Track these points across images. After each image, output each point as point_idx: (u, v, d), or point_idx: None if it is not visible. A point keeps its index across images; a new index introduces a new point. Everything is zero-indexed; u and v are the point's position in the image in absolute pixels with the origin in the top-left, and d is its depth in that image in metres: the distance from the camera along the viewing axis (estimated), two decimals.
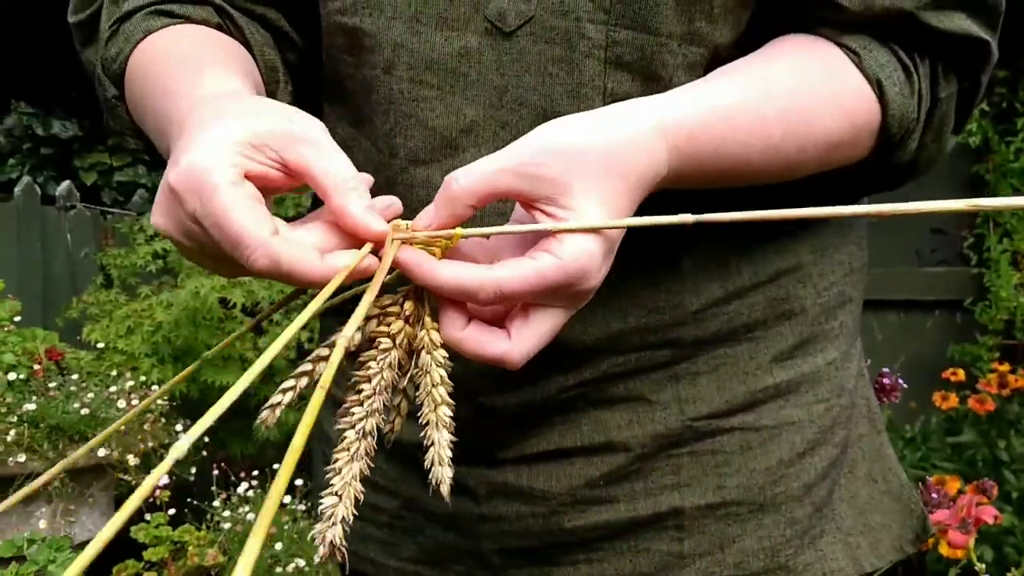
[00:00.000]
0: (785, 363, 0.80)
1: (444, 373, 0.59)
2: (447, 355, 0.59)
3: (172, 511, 2.66)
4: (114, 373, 2.94)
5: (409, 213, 0.61)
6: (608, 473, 0.77)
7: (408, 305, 0.60)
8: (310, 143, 0.58)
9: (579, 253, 0.57)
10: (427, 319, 0.60)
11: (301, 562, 2.57)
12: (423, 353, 0.59)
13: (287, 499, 2.82)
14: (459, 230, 0.58)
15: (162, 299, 3.16)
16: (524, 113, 0.71)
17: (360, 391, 0.57)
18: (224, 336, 3.26)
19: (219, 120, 0.58)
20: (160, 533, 2.54)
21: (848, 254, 0.84)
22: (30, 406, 2.59)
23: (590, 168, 0.58)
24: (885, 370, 1.31)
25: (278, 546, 2.62)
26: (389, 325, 0.59)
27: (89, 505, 2.84)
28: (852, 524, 0.83)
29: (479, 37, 0.71)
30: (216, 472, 2.85)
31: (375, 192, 0.76)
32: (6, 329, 2.88)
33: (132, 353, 3.12)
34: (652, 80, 0.71)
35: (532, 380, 0.77)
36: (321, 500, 0.55)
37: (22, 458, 2.56)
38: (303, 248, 0.56)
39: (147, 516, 2.62)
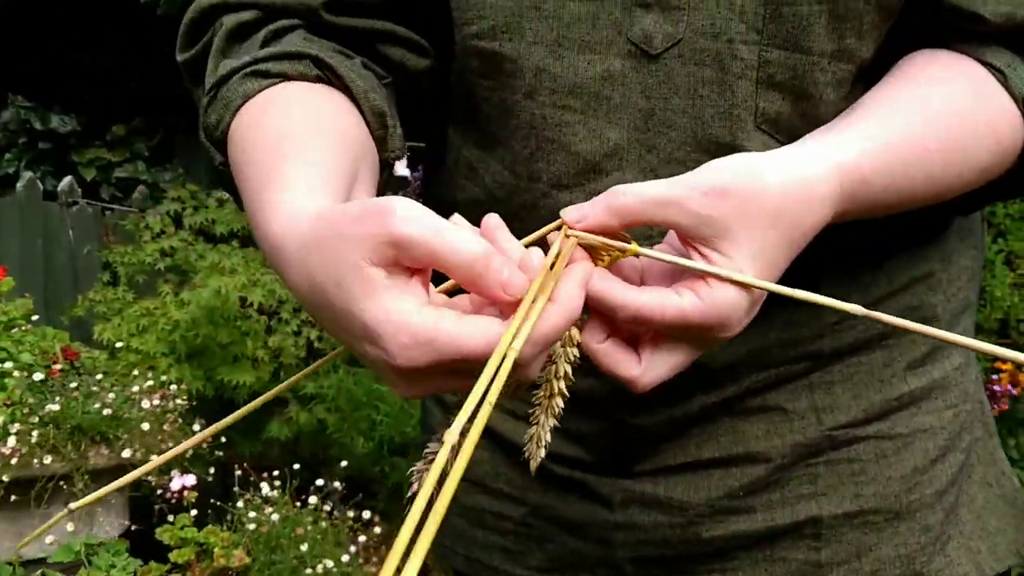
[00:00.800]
0: (918, 370, 0.81)
1: (569, 369, 0.61)
2: (579, 355, 0.61)
3: (193, 512, 2.64)
4: (135, 373, 2.90)
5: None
6: (748, 484, 0.78)
7: None
8: (423, 238, 0.50)
9: (724, 302, 0.57)
10: None
11: (329, 563, 2.56)
12: (558, 344, 0.61)
13: (312, 500, 2.81)
14: (635, 246, 0.59)
15: (181, 297, 3.13)
16: (673, 136, 0.71)
17: None
18: (240, 334, 3.24)
19: (347, 262, 0.52)
20: (185, 535, 2.52)
21: (970, 259, 0.86)
22: (53, 407, 2.56)
23: (757, 218, 0.58)
24: (995, 377, 1.33)
25: (304, 547, 2.61)
26: None
27: (107, 506, 2.82)
28: (972, 528, 0.85)
29: (622, 60, 0.71)
30: (239, 472, 2.84)
31: (511, 216, 0.75)
32: (23, 328, 2.84)
33: (147, 352, 3.09)
34: (803, 98, 0.71)
35: (673, 401, 0.78)
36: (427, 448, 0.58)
37: (48, 459, 2.53)
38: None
39: (170, 518, 2.61)
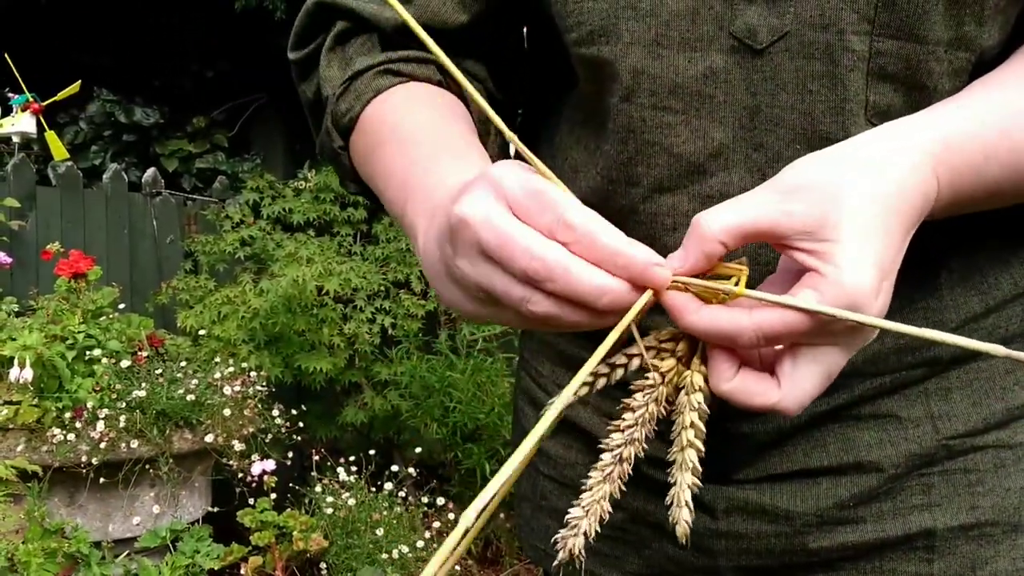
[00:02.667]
0: None
1: (697, 417, 0.58)
2: (705, 399, 0.58)
3: (272, 496, 2.71)
4: (217, 359, 2.98)
5: (653, 242, 0.57)
6: (858, 494, 0.75)
7: (682, 345, 0.59)
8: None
9: (850, 289, 0.53)
10: (696, 360, 0.59)
11: (404, 548, 2.61)
12: (683, 393, 0.59)
13: (388, 486, 2.86)
14: (742, 288, 0.56)
15: (260, 286, 3.20)
16: (781, 133, 0.69)
17: (623, 419, 0.58)
18: (316, 322, 3.30)
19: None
20: (265, 518, 2.59)
21: None
22: (140, 393, 2.65)
23: (854, 197, 0.55)
24: None
25: (379, 532, 2.66)
26: (662, 360, 0.59)
27: (190, 489, 2.91)
28: None
29: (725, 56, 0.68)
30: (316, 458, 2.90)
31: (614, 221, 0.75)
32: (110, 316, 2.94)
33: (228, 339, 3.17)
34: (916, 89, 0.68)
35: None
36: (569, 512, 0.57)
37: (135, 444, 2.62)
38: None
39: (251, 501, 2.68)
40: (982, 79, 0.68)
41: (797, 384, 0.56)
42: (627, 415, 0.58)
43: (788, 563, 0.78)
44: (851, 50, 0.67)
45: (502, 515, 3.41)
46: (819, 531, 0.76)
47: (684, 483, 0.57)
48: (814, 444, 0.76)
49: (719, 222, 0.55)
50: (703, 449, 0.58)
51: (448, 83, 0.81)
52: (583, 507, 0.57)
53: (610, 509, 0.57)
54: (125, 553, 2.27)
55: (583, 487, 0.58)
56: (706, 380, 0.58)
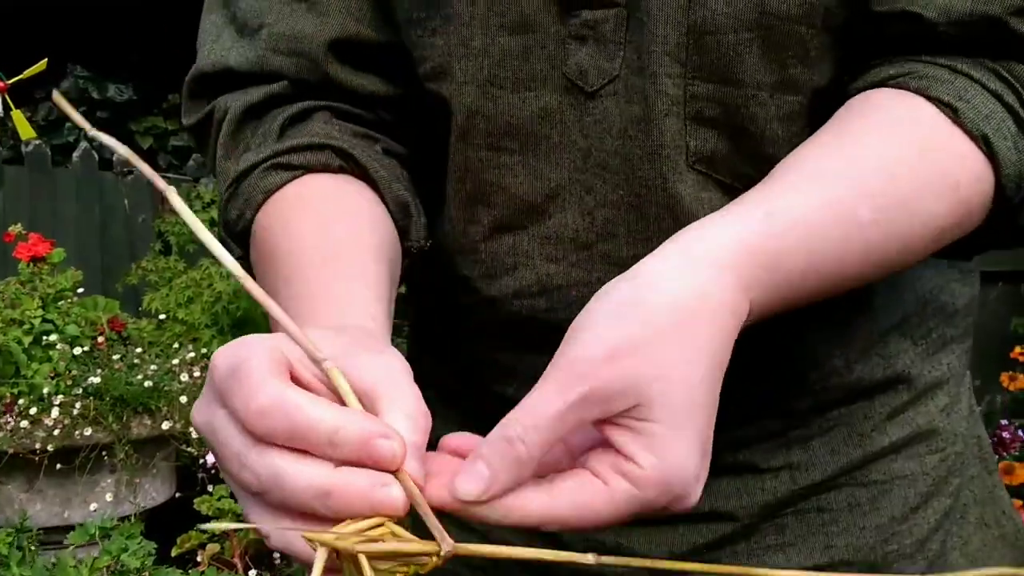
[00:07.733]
0: (899, 418, 0.76)
1: None
2: None
3: None
4: (176, 345, 2.96)
5: (493, 281, 0.50)
6: (713, 541, 0.75)
7: None
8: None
9: (671, 473, 0.47)
10: None
11: None
12: None
13: None
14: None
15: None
16: (607, 178, 0.67)
17: None
18: None
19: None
20: (223, 505, 2.57)
21: (949, 294, 0.79)
22: (95, 379, 2.62)
23: (664, 357, 0.47)
24: (1004, 422, 1.26)
25: None
26: None
27: (152, 475, 2.89)
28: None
29: (559, 95, 0.67)
30: None
31: (451, 265, 0.72)
32: (70, 300, 2.91)
33: (192, 323, 3.15)
34: (741, 136, 0.65)
35: None
36: None
37: (88, 431, 2.60)
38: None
39: (210, 488, 2.66)
40: (801, 153, 0.61)
41: None
42: None
43: None
44: (665, 94, 0.65)
45: None
46: (672, 572, 0.73)
47: None
48: None
49: (538, 443, 0.46)
50: None
51: (351, 168, 0.69)
52: None
53: None
54: (50, 551, 2.25)
55: None
56: None
